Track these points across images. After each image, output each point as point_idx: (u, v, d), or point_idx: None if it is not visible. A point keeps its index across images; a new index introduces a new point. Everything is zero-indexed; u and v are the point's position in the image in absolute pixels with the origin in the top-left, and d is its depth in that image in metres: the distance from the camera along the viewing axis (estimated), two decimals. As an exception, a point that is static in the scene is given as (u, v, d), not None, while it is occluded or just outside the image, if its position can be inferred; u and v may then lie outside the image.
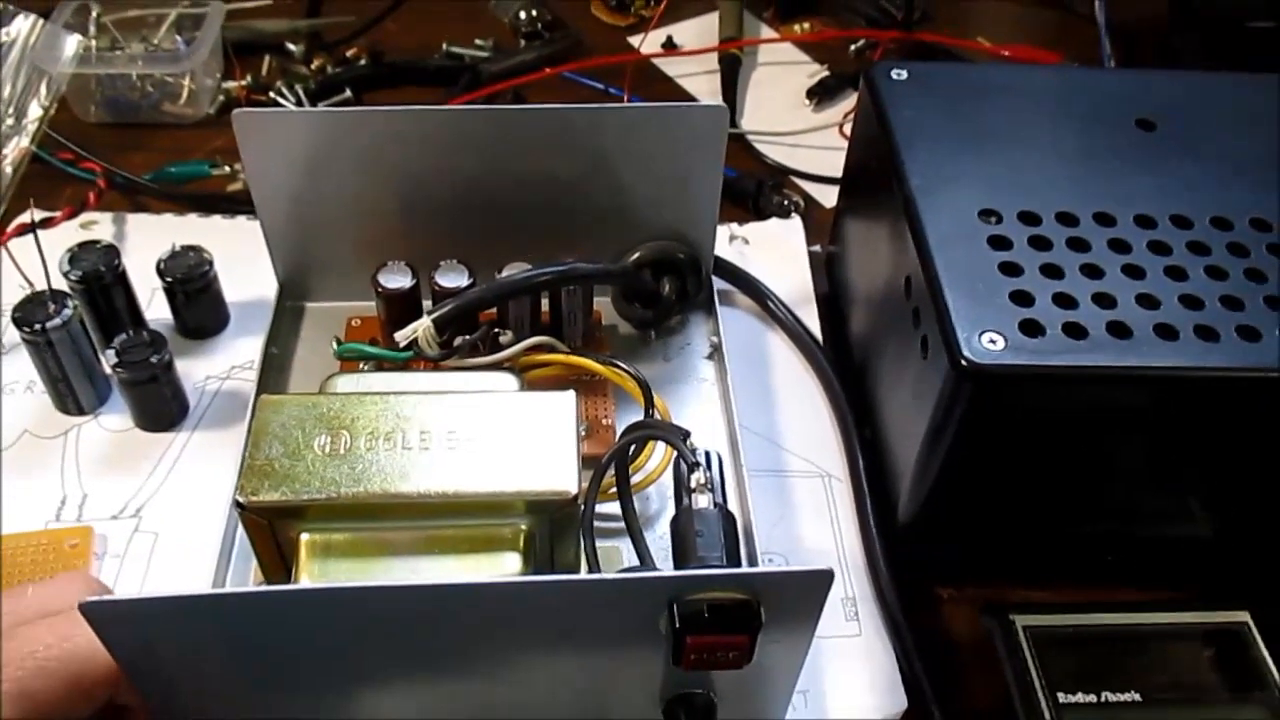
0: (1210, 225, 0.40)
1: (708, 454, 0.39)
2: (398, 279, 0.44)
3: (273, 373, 0.46)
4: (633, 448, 0.40)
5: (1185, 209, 0.40)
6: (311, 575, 0.33)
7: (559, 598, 0.28)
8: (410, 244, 0.46)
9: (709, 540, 0.36)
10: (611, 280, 0.47)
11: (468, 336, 0.42)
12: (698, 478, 0.38)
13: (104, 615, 0.26)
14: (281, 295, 0.48)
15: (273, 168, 0.44)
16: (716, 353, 0.48)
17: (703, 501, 0.37)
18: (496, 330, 0.44)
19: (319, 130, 0.43)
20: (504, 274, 0.44)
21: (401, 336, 0.42)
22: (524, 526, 0.34)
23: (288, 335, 0.48)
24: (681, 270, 0.48)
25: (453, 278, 0.44)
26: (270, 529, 0.34)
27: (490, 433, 0.35)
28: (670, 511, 0.40)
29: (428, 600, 0.28)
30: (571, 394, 0.36)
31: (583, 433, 0.43)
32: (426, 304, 0.44)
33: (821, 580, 0.29)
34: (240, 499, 0.33)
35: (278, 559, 0.35)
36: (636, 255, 0.47)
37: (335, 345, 0.44)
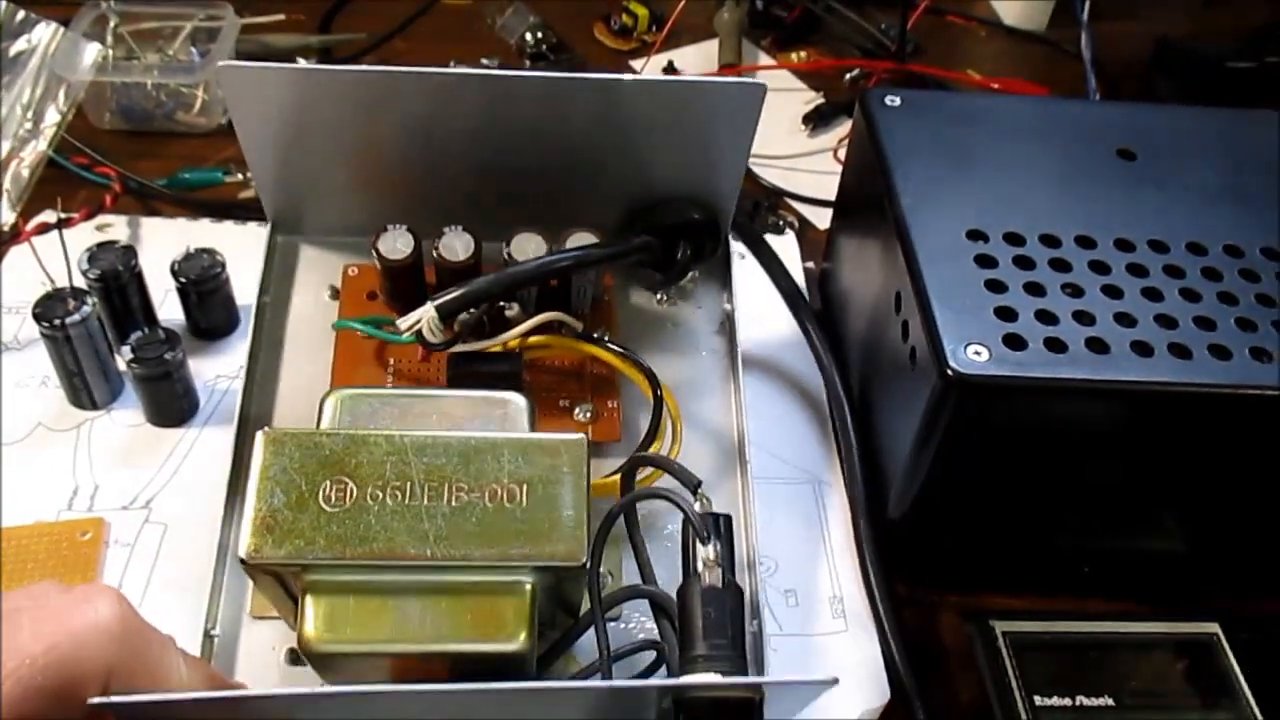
0: (1186, 250, 0.41)
1: (718, 520, 0.36)
2: (399, 247, 0.43)
3: (268, 347, 0.45)
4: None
5: (1162, 234, 0.42)
6: (317, 620, 0.33)
7: (568, 702, 0.30)
8: (412, 202, 0.44)
9: (717, 624, 0.34)
10: (627, 258, 0.45)
11: (473, 310, 0.42)
12: (708, 554, 0.35)
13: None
14: (274, 231, 0.46)
15: (262, 121, 0.42)
16: (728, 324, 0.47)
17: (711, 578, 0.35)
18: (503, 304, 0.43)
19: (310, 86, 0.41)
20: (512, 247, 0.43)
21: (404, 324, 0.41)
22: (529, 583, 0.34)
23: (281, 282, 0.47)
24: (697, 232, 0.46)
25: (458, 250, 0.43)
26: (276, 575, 0.34)
27: (499, 486, 0.34)
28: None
29: (432, 703, 0.29)
30: (582, 439, 0.36)
31: (586, 419, 0.44)
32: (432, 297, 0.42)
33: (823, 686, 0.30)
34: (244, 557, 0.33)
35: (283, 595, 0.35)
36: (652, 218, 0.45)
37: (330, 296, 0.43)
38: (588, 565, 0.34)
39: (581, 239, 0.44)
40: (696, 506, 0.36)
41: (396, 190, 0.44)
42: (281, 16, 0.70)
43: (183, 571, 0.41)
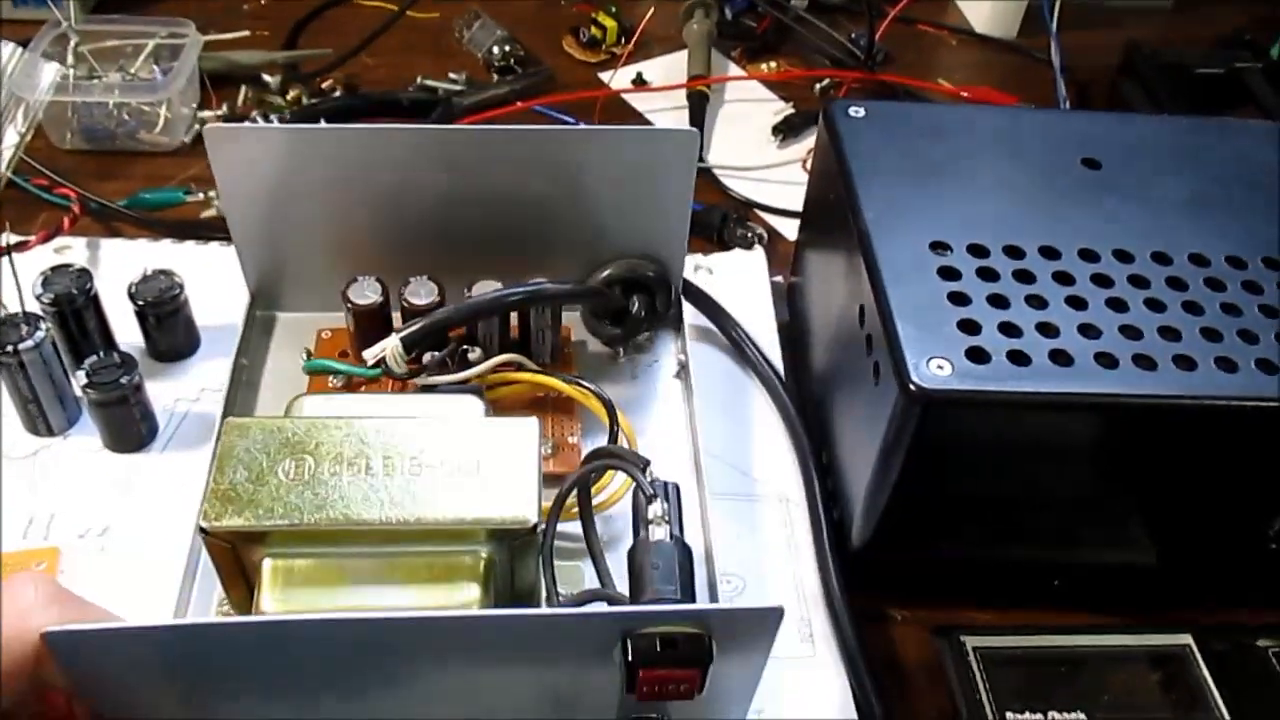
0: (1150, 260, 0.41)
1: (666, 485, 0.39)
2: (367, 294, 0.45)
3: (242, 388, 0.47)
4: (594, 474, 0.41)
5: (1127, 244, 0.42)
6: (274, 600, 0.33)
7: (514, 632, 0.29)
8: (381, 258, 0.47)
9: (665, 573, 0.36)
10: (579, 299, 0.48)
11: (437, 353, 0.43)
12: (655, 510, 0.38)
13: (67, 645, 0.27)
14: (253, 305, 0.49)
15: (244, 182, 0.45)
16: (683, 371, 0.49)
17: (659, 534, 0.37)
18: (465, 347, 0.44)
19: (291, 146, 0.44)
20: (473, 291, 0.44)
21: (370, 355, 0.42)
22: (484, 554, 0.35)
23: (258, 346, 0.49)
24: (651, 289, 0.49)
25: (422, 295, 0.45)
26: (234, 553, 0.34)
27: (453, 459, 0.35)
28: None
29: (384, 633, 0.29)
30: (534, 421, 0.37)
31: (547, 452, 0.44)
32: (397, 319, 0.45)
33: (772, 616, 0.29)
34: (204, 524, 0.34)
35: (241, 581, 0.35)
36: (606, 273, 0.48)
37: (305, 358, 0.44)
38: (539, 527, 0.35)
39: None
40: (646, 478, 0.38)
41: (366, 246, 0.47)
42: (246, 33, 0.69)
43: (140, 600, 0.40)
